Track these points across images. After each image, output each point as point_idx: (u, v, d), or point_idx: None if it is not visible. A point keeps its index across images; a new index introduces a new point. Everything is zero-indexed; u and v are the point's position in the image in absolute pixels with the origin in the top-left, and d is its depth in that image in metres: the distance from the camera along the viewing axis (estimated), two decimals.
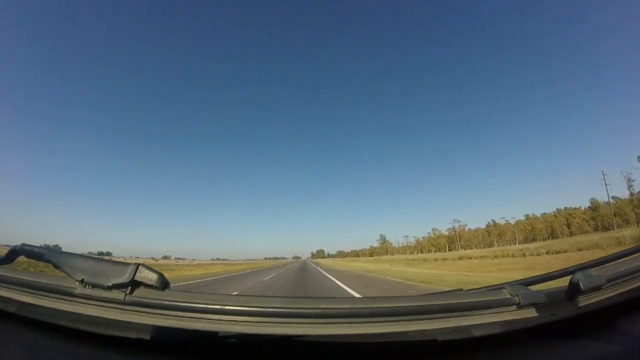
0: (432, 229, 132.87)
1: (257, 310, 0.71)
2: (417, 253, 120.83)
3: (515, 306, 0.74)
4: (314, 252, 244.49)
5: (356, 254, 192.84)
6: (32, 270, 0.94)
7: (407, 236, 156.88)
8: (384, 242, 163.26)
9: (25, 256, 0.84)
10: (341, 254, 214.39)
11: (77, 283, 0.76)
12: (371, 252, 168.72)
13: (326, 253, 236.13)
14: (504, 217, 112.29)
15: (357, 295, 7.94)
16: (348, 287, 10.45)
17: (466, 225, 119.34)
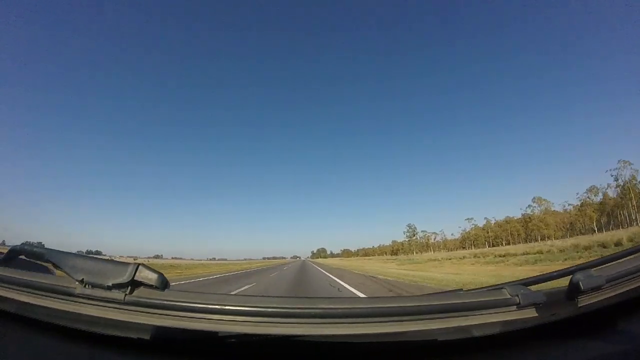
0: (534, 201, 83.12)
1: (257, 310, 0.73)
2: (485, 246, 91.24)
3: (516, 306, 0.75)
4: (314, 251, 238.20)
5: (365, 253, 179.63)
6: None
7: (471, 219, 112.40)
8: (414, 235, 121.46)
9: (25, 256, 0.86)
10: (346, 253, 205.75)
11: (77, 283, 0.78)
12: (394, 249, 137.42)
13: (329, 252, 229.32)
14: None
15: None
16: None
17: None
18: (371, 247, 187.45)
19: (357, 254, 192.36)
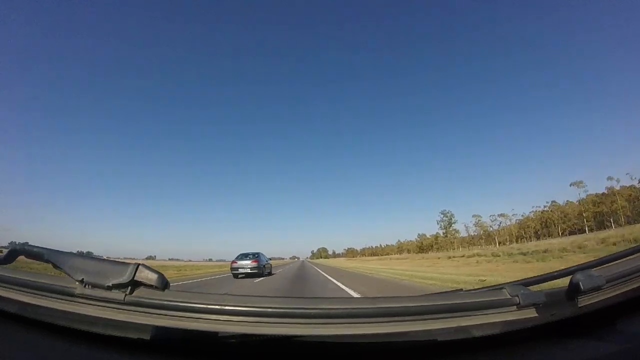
0: None
1: (257, 310, 0.74)
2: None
3: (516, 306, 0.77)
4: (314, 251, 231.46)
5: (372, 252, 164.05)
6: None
7: (580, 182, 72.18)
8: (450, 225, 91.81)
9: (25, 256, 0.87)
10: (350, 252, 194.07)
11: (77, 283, 0.79)
12: (422, 245, 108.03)
13: (330, 252, 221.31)
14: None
15: None
16: None
17: None
18: (378, 245, 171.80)
19: (362, 253, 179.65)
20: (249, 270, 15.10)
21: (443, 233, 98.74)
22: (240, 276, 14.97)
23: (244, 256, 16.09)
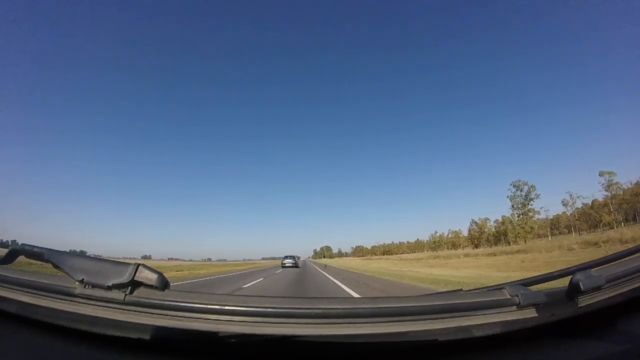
0: None
1: (258, 310, 0.75)
2: None
3: (516, 306, 0.77)
4: (317, 250, 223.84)
5: (385, 250, 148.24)
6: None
7: None
8: (528, 202, 61.86)
9: (25, 256, 0.88)
10: (359, 250, 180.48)
11: (77, 283, 0.80)
12: (482, 236, 79.70)
13: (335, 251, 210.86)
14: None
15: None
16: None
17: None
18: (391, 242, 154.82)
19: (373, 252, 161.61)
20: (290, 264, 28.08)
21: (518, 215, 65.34)
22: (285, 267, 27.13)
23: (287, 257, 30.39)
